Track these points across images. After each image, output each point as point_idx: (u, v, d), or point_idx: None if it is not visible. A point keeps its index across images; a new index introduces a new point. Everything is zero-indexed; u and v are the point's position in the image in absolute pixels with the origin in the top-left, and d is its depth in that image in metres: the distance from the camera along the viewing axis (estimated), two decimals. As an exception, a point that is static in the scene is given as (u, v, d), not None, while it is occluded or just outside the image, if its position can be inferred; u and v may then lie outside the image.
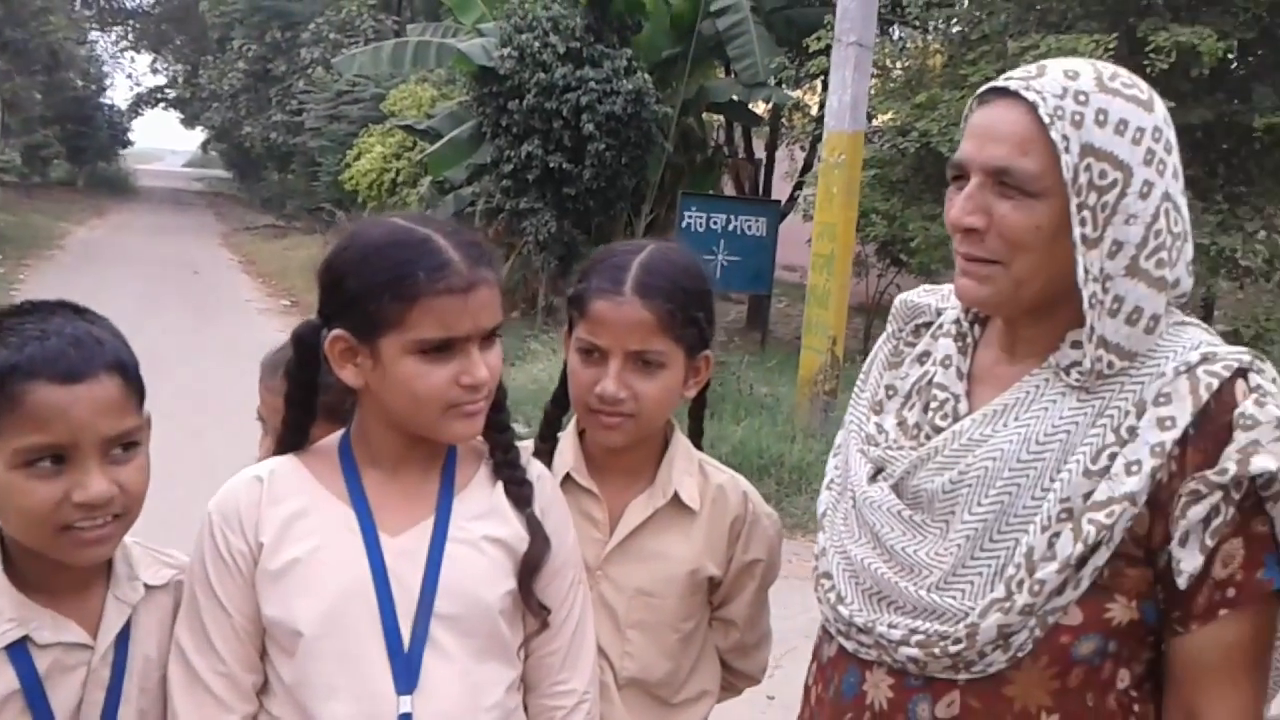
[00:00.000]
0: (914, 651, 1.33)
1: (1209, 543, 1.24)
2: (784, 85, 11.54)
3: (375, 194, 16.96)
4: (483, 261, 1.38)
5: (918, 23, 9.13)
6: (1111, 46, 6.90)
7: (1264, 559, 1.25)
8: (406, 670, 1.37)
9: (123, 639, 1.36)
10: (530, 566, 1.44)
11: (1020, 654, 1.29)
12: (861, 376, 1.58)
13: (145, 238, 20.79)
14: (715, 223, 11.04)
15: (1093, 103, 1.28)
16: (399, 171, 16.61)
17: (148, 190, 38.44)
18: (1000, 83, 1.33)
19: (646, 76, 10.94)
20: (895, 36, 11.07)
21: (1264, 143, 7.84)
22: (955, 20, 8.66)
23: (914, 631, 1.33)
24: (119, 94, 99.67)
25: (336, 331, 1.39)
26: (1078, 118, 1.27)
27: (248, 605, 1.39)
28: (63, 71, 30.14)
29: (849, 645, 1.42)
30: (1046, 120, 1.27)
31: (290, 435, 1.47)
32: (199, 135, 48.33)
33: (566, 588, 1.51)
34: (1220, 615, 1.26)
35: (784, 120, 13.13)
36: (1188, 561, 1.25)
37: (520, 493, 1.47)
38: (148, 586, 1.40)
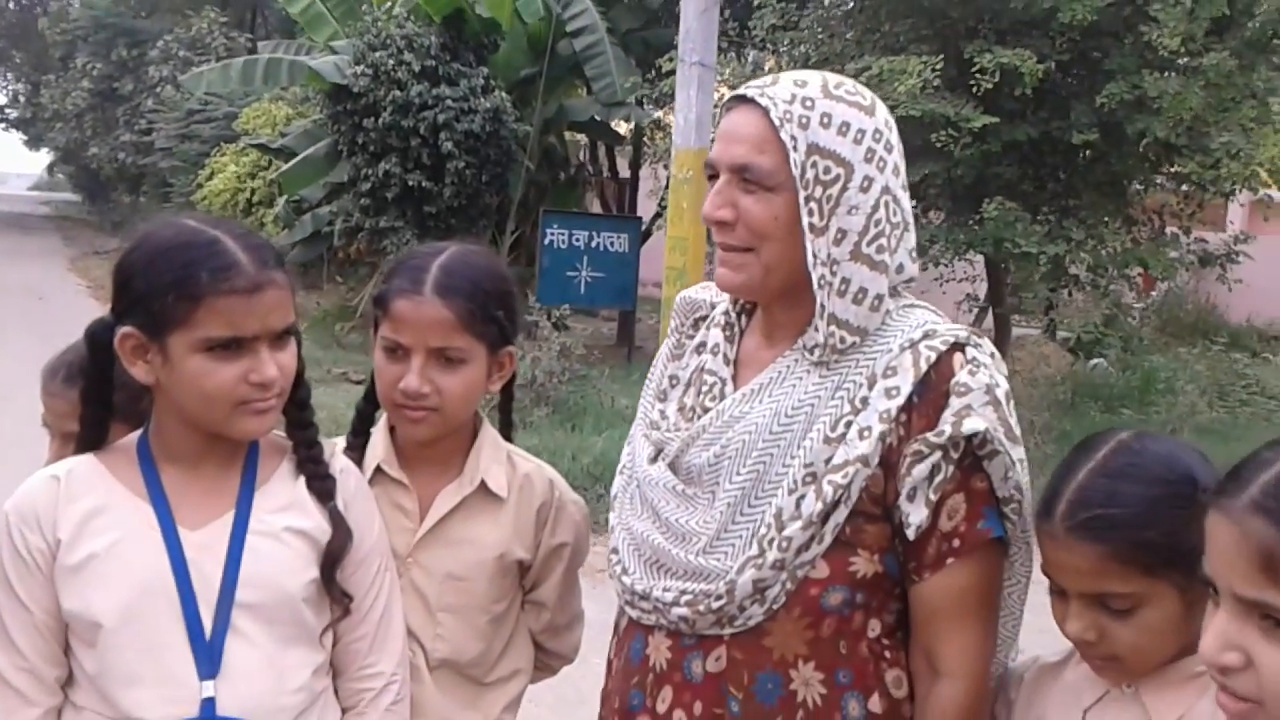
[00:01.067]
0: (684, 611, 1.45)
1: (933, 498, 1.39)
2: (644, 104, 11.76)
3: (230, 214, 16.54)
4: (271, 264, 1.44)
5: (766, 45, 9.42)
6: (939, 67, 7.25)
7: (983, 511, 1.41)
8: (209, 656, 1.41)
9: None
10: (332, 557, 1.50)
11: (775, 606, 1.42)
12: (650, 370, 1.69)
13: (-20, 263, 19.77)
14: (578, 240, 11.18)
15: (818, 107, 1.43)
16: (254, 191, 16.28)
17: (-13, 214, 36.49)
18: (740, 91, 1.48)
19: (504, 95, 11.02)
20: (749, 58, 11.40)
21: (1088, 158, 8.38)
22: (800, 42, 8.95)
23: (683, 593, 1.45)
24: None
25: (126, 329, 1.42)
26: (804, 120, 1.42)
27: (48, 601, 1.41)
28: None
29: (634, 613, 1.53)
30: (777, 123, 1.42)
31: (88, 433, 1.50)
32: (44, 157, 46.23)
33: (372, 575, 1.57)
34: (948, 563, 1.41)
35: (645, 139, 13.35)
36: (915, 515, 1.39)
37: (322, 486, 1.53)
38: None
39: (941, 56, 7.37)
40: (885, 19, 8.31)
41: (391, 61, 10.61)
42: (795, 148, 1.42)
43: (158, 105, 21.56)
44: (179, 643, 1.41)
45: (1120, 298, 9.77)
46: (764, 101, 1.44)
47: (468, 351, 1.66)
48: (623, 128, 13.46)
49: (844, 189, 1.43)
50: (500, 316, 1.70)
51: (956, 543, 1.41)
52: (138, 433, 1.51)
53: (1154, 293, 14.31)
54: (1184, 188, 8.64)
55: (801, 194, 1.42)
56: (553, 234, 11.01)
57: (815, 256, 1.43)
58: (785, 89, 1.45)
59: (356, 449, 1.74)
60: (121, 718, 1.39)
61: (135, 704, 1.39)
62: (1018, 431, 1.43)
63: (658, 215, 12.82)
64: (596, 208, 14.52)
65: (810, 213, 1.43)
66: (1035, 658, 1.52)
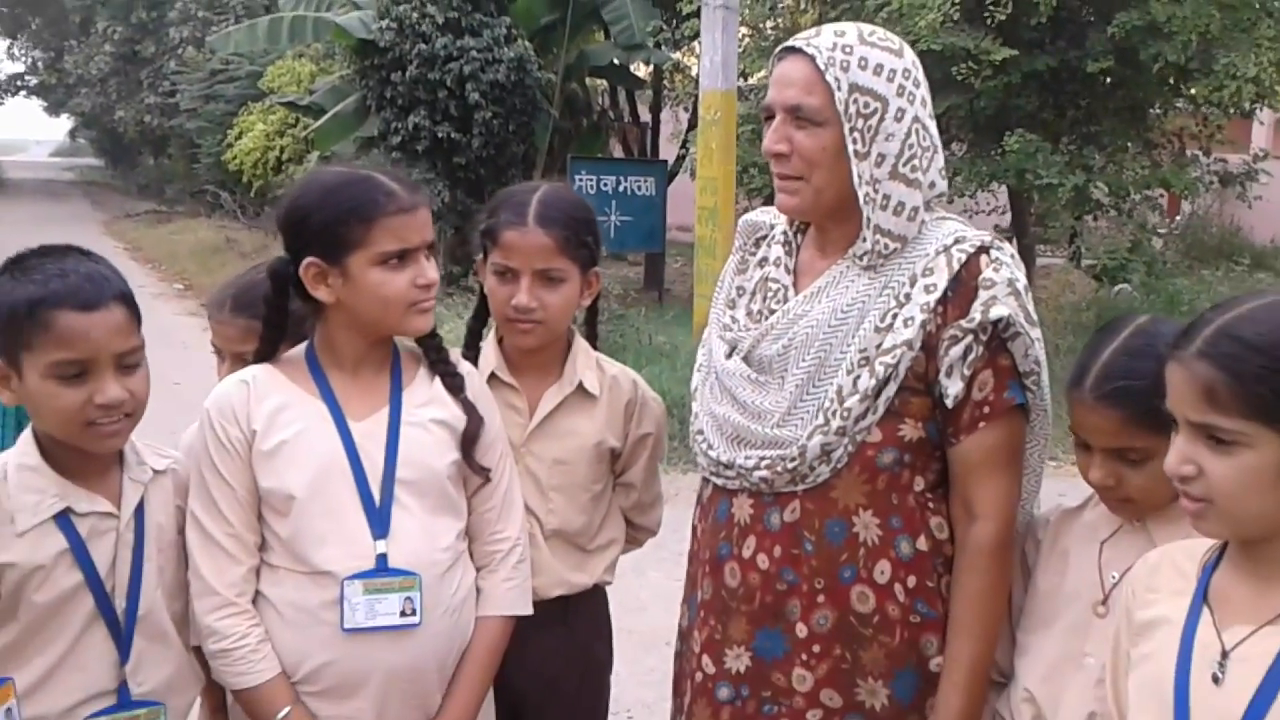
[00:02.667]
0: (764, 473, 1.77)
1: (966, 373, 1.69)
2: (663, 47, 11.89)
3: (260, 172, 16.82)
4: (418, 191, 1.78)
5: (785, -18, 9.55)
6: (958, 1, 7.41)
7: (1008, 383, 1.72)
8: (380, 521, 1.75)
9: (139, 511, 1.70)
10: (470, 438, 1.83)
11: (839, 465, 1.73)
12: (719, 282, 2.00)
13: (21, 230, 20.01)
14: (605, 185, 11.34)
15: (856, 52, 1.71)
16: (283, 149, 16.51)
17: (16, 183, 36.93)
18: (790, 43, 1.77)
19: (527, 44, 11.16)
20: (768, -3, 11.49)
21: (1106, 85, 8.50)
22: (819, -21, 9.07)
23: (763, 459, 1.76)
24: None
25: (309, 259, 1.74)
26: (845, 64, 1.70)
27: (246, 479, 1.75)
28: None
29: (718, 481, 1.85)
30: (823, 67, 1.70)
31: (267, 348, 1.83)
32: (65, 123, 46.50)
33: (497, 457, 1.89)
34: (980, 427, 1.71)
35: (666, 82, 13.49)
36: (952, 387, 1.69)
37: (454, 382, 1.86)
38: (154, 471, 1.74)
39: (959, -12, 7.49)
40: (904, -48, 8.41)
41: (415, 14, 10.77)
42: (839, 87, 1.69)
43: (180, 67, 21.78)
44: (355, 510, 1.74)
45: (1145, 221, 9.94)
46: (810, 50, 1.72)
47: (566, 271, 1.97)
48: (642, 70, 13.58)
49: (881, 119, 1.70)
50: (590, 241, 2.01)
51: (987, 409, 1.70)
52: (303, 345, 1.83)
53: (1178, 216, 14.39)
54: (1202, 110, 8.74)
55: (846, 126, 1.70)
56: (581, 180, 11.20)
57: (860, 178, 1.72)
58: (828, 39, 1.73)
59: (470, 360, 2.05)
60: (312, 570, 1.73)
61: (325, 559, 1.72)
62: (1035, 317, 1.72)
63: (680, 158, 13.01)
64: (619, 153, 14.67)
65: (854, 141, 1.71)
66: (1057, 505, 1.83)
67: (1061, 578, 1.72)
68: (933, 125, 1.77)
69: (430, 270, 1.76)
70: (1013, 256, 1.74)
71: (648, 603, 4.30)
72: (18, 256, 1.64)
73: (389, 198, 1.72)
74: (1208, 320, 1.29)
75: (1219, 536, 1.33)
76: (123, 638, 1.65)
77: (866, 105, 1.70)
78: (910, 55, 1.76)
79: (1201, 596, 1.33)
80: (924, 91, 1.76)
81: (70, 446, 1.63)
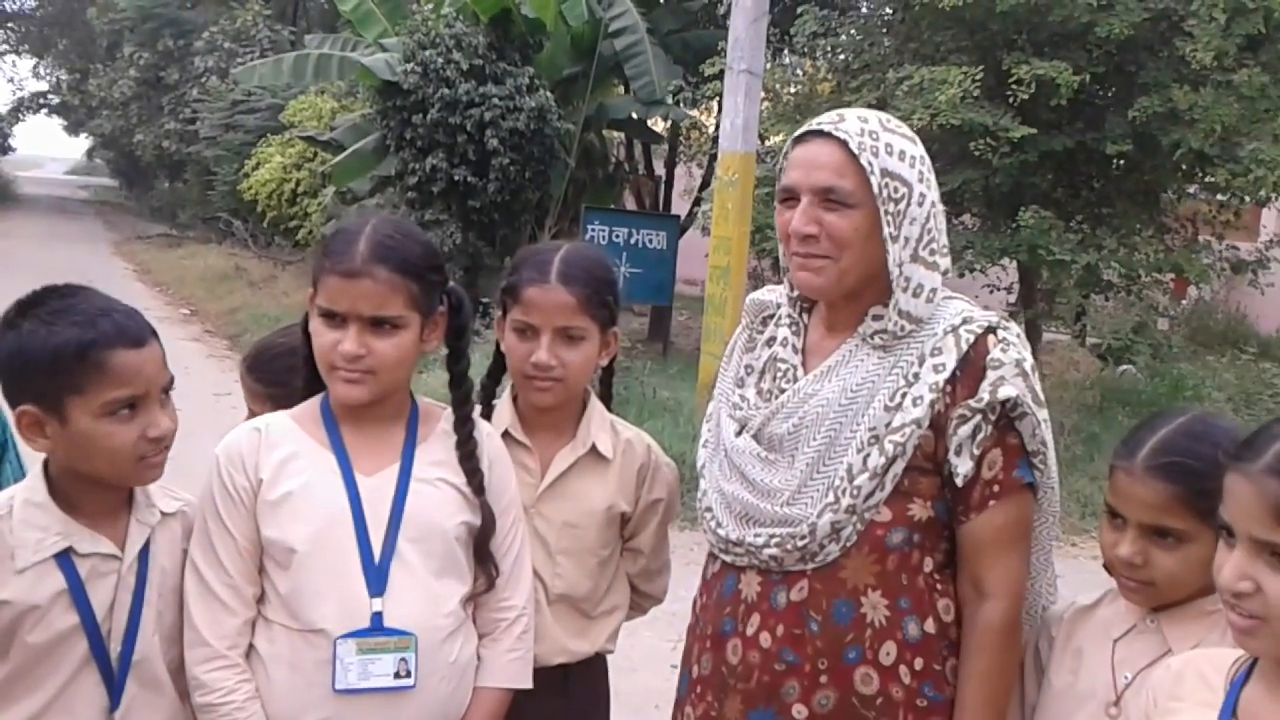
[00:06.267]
0: (774, 551, 1.76)
1: (976, 452, 1.71)
2: (682, 105, 12.01)
3: (275, 203, 16.93)
4: (376, 256, 1.71)
5: (805, 50, 9.65)
6: (979, 78, 7.47)
7: (1017, 462, 1.74)
8: (377, 578, 1.71)
9: (144, 554, 1.67)
10: (483, 537, 1.79)
11: (848, 544, 1.74)
12: (725, 359, 2.01)
13: (33, 246, 20.24)
14: (618, 236, 11.38)
15: (882, 138, 1.75)
16: (299, 182, 16.63)
17: (30, 198, 37.18)
18: (813, 126, 1.79)
19: (548, 94, 11.28)
20: (786, 62, 11.65)
21: (1121, 168, 8.57)
22: (840, 49, 9.19)
23: (773, 536, 1.76)
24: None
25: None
26: (875, 150, 1.74)
27: (249, 530, 1.71)
28: (-61, 75, 29.17)
29: (727, 558, 1.84)
30: (856, 151, 1.73)
31: (306, 395, 1.84)
32: (82, 143, 46.98)
33: (509, 525, 1.86)
34: (990, 505, 1.73)
35: (682, 139, 13.61)
36: (962, 466, 1.71)
37: (469, 465, 1.80)
38: (162, 513, 1.71)
39: (981, 67, 7.58)
40: (926, 29, 8.52)
41: (440, 60, 10.90)
42: (873, 171, 1.72)
43: (203, 95, 22.00)
44: (354, 567, 1.70)
45: (1152, 304, 9.97)
46: (840, 135, 1.74)
47: (586, 330, 1.96)
48: (659, 126, 13.71)
49: (908, 204, 1.75)
50: (610, 301, 2.00)
51: (996, 488, 1.73)
52: (320, 396, 1.81)
53: (1185, 300, 14.43)
54: (1218, 196, 8.80)
55: (881, 210, 1.73)
56: (594, 230, 11.26)
57: (893, 260, 1.74)
58: (854, 124, 1.75)
59: (482, 417, 2.03)
60: (307, 628, 1.69)
61: (321, 617, 1.69)
62: (1043, 397, 1.75)
63: (691, 213, 13.08)
64: (632, 205, 14.77)
65: (888, 224, 1.74)
66: (1072, 602, 1.80)
67: (1075, 676, 1.70)
68: (941, 208, 1.82)
69: (350, 343, 1.70)
70: (1019, 336, 1.78)
71: (639, 664, 4.23)
72: (31, 300, 1.62)
73: (337, 258, 1.71)
74: (1276, 435, 1.27)
75: (1265, 655, 1.30)
76: (115, 683, 1.62)
77: (896, 190, 1.74)
78: (920, 145, 1.81)
79: (1230, 712, 1.29)
80: (933, 177, 1.81)
81: (85, 485, 1.61)
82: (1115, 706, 1.62)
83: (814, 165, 1.75)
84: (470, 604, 1.82)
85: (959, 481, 1.72)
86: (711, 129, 12.17)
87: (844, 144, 1.73)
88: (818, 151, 1.75)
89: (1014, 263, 8.90)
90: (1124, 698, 1.60)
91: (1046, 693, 1.74)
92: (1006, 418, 1.72)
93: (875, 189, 1.72)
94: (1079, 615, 1.76)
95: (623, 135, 14.36)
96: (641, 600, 2.15)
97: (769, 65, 9.68)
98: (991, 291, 9.36)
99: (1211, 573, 1.51)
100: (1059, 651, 1.74)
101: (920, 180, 1.75)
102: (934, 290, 1.77)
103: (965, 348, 1.73)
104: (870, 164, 1.72)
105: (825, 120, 1.78)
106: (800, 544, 1.74)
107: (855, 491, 1.72)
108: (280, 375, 2.00)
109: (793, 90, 9.77)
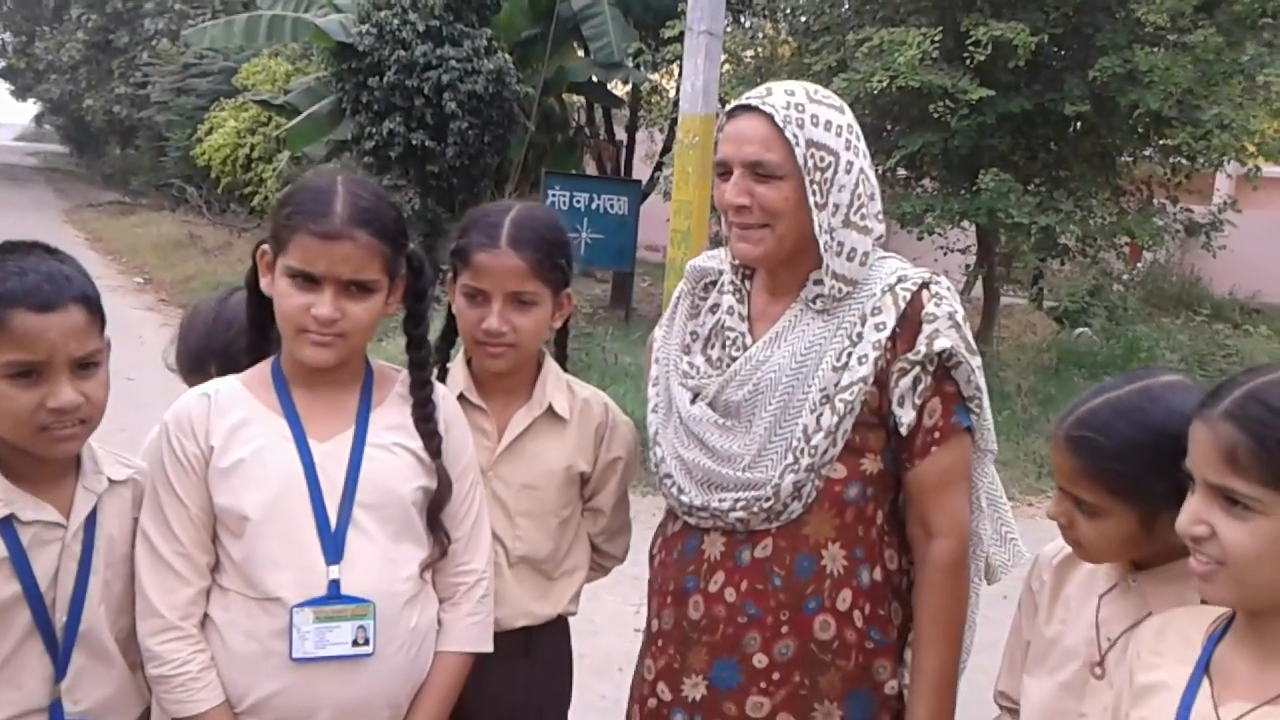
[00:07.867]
0: (740, 514, 1.81)
1: (917, 402, 1.79)
2: (642, 68, 11.89)
3: (229, 169, 16.66)
4: (356, 219, 1.67)
5: (765, 12, 9.59)
6: (937, 39, 7.46)
7: (955, 409, 1.82)
8: (334, 545, 1.68)
9: (90, 522, 1.63)
10: (438, 504, 1.76)
11: (809, 501, 1.81)
12: (665, 324, 2.02)
13: (-21, 214, 19.79)
14: (578, 201, 11.29)
15: (808, 110, 1.79)
16: (253, 147, 16.38)
17: (-24, 165, 36.30)
18: (743, 101, 1.82)
19: (507, 56, 11.14)
20: (746, 25, 11.56)
21: (1079, 130, 8.60)
22: (799, 11, 9.13)
23: (738, 500, 1.80)
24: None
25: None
26: (800, 121, 1.78)
27: (201, 498, 1.67)
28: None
29: (690, 520, 1.87)
30: (781, 125, 1.77)
31: (251, 360, 1.79)
32: (29, 108, 45.87)
33: (466, 488, 1.83)
34: (933, 451, 1.81)
35: (643, 103, 13.49)
36: (905, 416, 1.79)
37: (426, 428, 1.77)
38: (111, 480, 1.67)
39: (940, 29, 7.56)
40: (885, -10, 8.50)
41: (396, 21, 10.72)
42: (798, 143, 1.77)
43: (153, 58, 21.56)
44: (310, 534, 1.67)
45: (1107, 268, 10.06)
46: (766, 109, 1.78)
47: (538, 294, 1.93)
48: (619, 90, 13.59)
49: (834, 172, 1.79)
50: (563, 263, 1.97)
51: (937, 434, 1.81)
52: (270, 360, 1.77)
53: (1140, 263, 14.60)
54: (1173, 160, 8.86)
55: (806, 179, 1.78)
56: (554, 195, 11.16)
57: (820, 227, 1.79)
58: (780, 98, 1.79)
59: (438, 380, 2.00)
60: (263, 596, 1.66)
61: (276, 585, 1.65)
62: (974, 346, 1.83)
63: (653, 179, 13.01)
64: (592, 170, 14.66)
65: (814, 193, 1.78)
66: (1061, 545, 1.75)
67: (1064, 628, 1.70)
68: (872, 173, 1.86)
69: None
70: (950, 289, 1.85)
71: (601, 627, 4.25)
72: None
73: (314, 218, 1.66)
74: (1238, 383, 1.28)
75: (1224, 602, 1.31)
76: (60, 654, 1.58)
77: (822, 159, 1.79)
78: (849, 113, 1.85)
79: (1203, 667, 1.30)
80: (862, 143, 1.86)
81: (23, 451, 1.55)
82: (1099, 667, 1.62)
83: (743, 139, 1.79)
84: (429, 569, 1.80)
85: (903, 431, 1.79)
86: (672, 93, 12.08)
87: (770, 118, 1.77)
88: (746, 126, 1.80)
89: (973, 226, 8.95)
90: (1107, 659, 1.61)
91: (1038, 636, 1.74)
92: (943, 368, 1.80)
93: (800, 160, 1.76)
94: (1068, 561, 1.74)
95: (583, 99, 14.23)
96: (603, 560, 2.14)
97: (729, 27, 9.61)
98: (947, 253, 9.39)
99: (1147, 542, 1.53)
100: (1050, 597, 1.74)
101: (848, 148, 1.80)
102: (866, 253, 1.83)
103: (903, 305, 1.80)
104: (795, 136, 1.76)
105: (754, 95, 1.82)
106: (766, 505, 1.80)
107: (813, 451, 1.78)
108: (222, 361, 1.92)
109: (753, 53, 9.70)
